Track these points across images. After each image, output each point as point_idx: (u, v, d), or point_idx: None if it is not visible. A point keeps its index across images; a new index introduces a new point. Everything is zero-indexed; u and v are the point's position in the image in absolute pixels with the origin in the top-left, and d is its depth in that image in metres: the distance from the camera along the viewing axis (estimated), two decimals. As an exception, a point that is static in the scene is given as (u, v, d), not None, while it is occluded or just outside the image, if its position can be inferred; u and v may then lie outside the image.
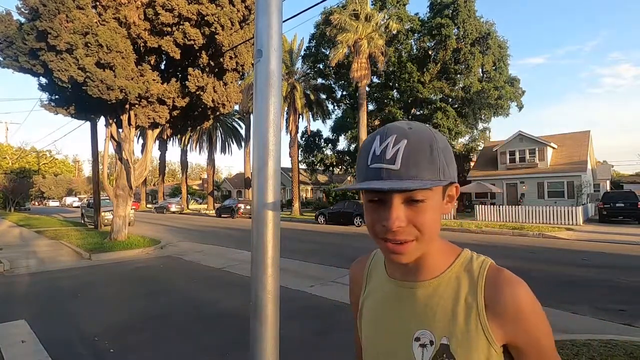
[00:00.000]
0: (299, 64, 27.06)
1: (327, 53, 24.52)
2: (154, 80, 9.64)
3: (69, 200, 55.71)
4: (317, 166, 31.40)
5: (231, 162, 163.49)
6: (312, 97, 26.25)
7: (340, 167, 32.32)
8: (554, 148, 23.19)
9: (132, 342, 3.89)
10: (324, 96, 28.19)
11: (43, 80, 10.17)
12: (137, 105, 9.87)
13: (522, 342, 0.60)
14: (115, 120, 10.75)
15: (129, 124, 10.55)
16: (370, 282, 0.76)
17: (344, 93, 28.68)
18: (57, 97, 10.49)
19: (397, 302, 0.68)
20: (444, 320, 0.62)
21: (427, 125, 0.64)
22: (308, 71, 27.36)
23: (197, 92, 10.01)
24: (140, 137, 29.24)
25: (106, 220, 15.27)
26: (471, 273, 0.63)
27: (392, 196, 0.58)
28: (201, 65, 10.03)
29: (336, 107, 29.93)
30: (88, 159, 78.58)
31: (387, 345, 0.67)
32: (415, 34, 25.29)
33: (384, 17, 22.36)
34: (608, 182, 30.11)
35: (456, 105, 25.88)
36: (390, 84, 26.38)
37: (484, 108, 25.24)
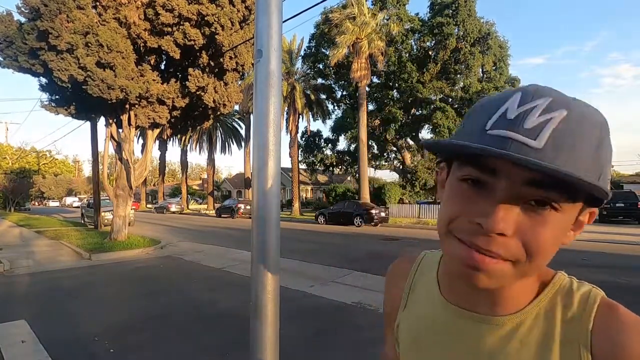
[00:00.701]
0: (299, 64, 27.12)
1: (327, 53, 24.51)
2: (154, 80, 9.64)
3: (69, 200, 55.72)
4: (317, 166, 31.40)
5: (231, 162, 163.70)
6: (312, 97, 26.27)
7: (340, 167, 32.31)
8: (554, 148, 23.17)
9: (132, 342, 3.89)
10: (324, 96, 28.21)
11: (43, 80, 10.17)
12: (137, 105, 9.87)
13: None
14: (115, 120, 10.76)
15: (129, 124, 10.55)
16: (413, 295, 0.58)
17: (344, 93, 28.68)
18: (57, 97, 10.50)
19: (454, 337, 0.48)
20: None
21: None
22: (308, 71, 27.37)
23: (198, 93, 10.01)
24: (140, 137, 29.24)
25: (106, 220, 15.27)
26: (570, 311, 0.43)
27: (508, 183, 0.38)
28: (201, 65, 10.03)
29: (336, 107, 29.96)
30: (88, 159, 78.64)
31: None
32: (416, 34, 25.30)
33: (384, 17, 22.36)
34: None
35: (456, 105, 25.88)
36: (390, 84, 26.39)
37: (484, 108, 25.21)
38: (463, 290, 0.48)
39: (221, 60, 10.00)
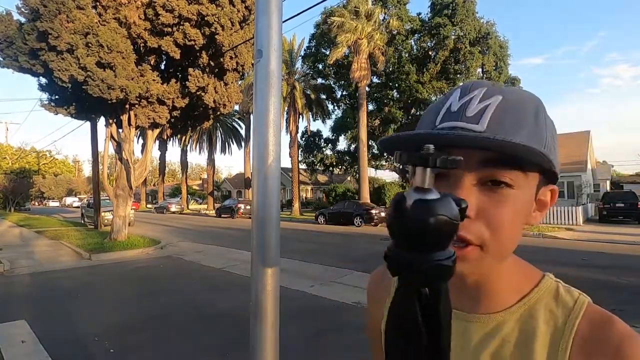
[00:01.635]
0: (299, 64, 27.10)
1: (327, 53, 24.52)
2: (154, 80, 9.64)
3: (69, 200, 55.68)
4: (317, 166, 31.39)
5: (231, 162, 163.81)
6: (312, 97, 26.26)
7: (340, 167, 32.32)
8: (554, 148, 23.16)
9: (132, 342, 3.89)
10: (324, 96, 28.20)
11: (43, 80, 10.18)
12: (137, 106, 9.88)
13: None
14: (115, 120, 10.76)
15: (129, 124, 10.55)
16: None
17: (344, 93, 28.67)
18: (57, 97, 10.50)
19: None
20: None
21: None
22: (308, 71, 27.36)
23: (198, 93, 10.01)
24: (140, 137, 29.22)
25: (106, 221, 15.27)
26: (555, 315, 0.43)
27: (463, 171, 0.40)
28: (201, 65, 10.03)
29: (336, 107, 29.95)
30: (88, 159, 78.51)
31: None
32: (416, 34, 25.32)
33: (384, 16, 22.36)
34: (608, 182, 30.10)
35: (456, 106, 25.85)
36: (390, 84, 26.38)
37: (484, 108, 25.24)
38: (457, 294, 0.49)
39: (221, 60, 10.00)
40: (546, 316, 0.44)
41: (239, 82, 12.67)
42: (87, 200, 21.09)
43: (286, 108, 24.79)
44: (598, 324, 0.41)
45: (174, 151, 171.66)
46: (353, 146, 28.70)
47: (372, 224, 17.23)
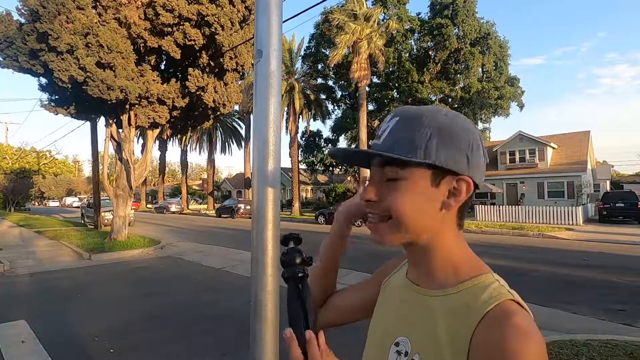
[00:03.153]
0: (298, 64, 27.10)
1: (327, 53, 24.51)
2: (154, 80, 9.64)
3: (69, 200, 55.65)
4: (317, 166, 31.40)
5: (231, 162, 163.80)
6: (311, 97, 26.26)
7: (340, 167, 32.32)
8: (554, 148, 23.19)
9: (132, 342, 3.89)
10: (323, 96, 28.20)
11: (43, 80, 10.18)
12: (137, 106, 9.88)
13: None
14: (115, 120, 10.76)
15: (129, 124, 10.55)
16: (393, 275, 0.73)
17: (344, 93, 28.67)
18: (57, 97, 10.50)
19: (402, 299, 0.64)
20: (425, 336, 0.55)
21: (446, 108, 0.59)
22: (308, 71, 27.36)
23: (198, 93, 10.01)
24: (140, 137, 29.25)
25: (106, 221, 15.28)
26: (475, 302, 0.52)
27: (373, 171, 0.59)
28: (201, 65, 10.03)
29: (336, 107, 29.95)
30: (88, 159, 78.46)
31: (377, 336, 0.68)
32: (415, 34, 25.31)
33: (384, 17, 22.34)
34: (608, 182, 30.08)
35: (456, 105, 25.87)
36: (390, 84, 26.38)
37: (483, 108, 25.24)
38: (412, 267, 0.64)
39: (221, 60, 10.00)
40: (467, 303, 0.53)
41: (239, 82, 12.67)
42: (87, 200, 21.10)
43: (286, 108, 24.80)
44: (502, 313, 0.49)
45: (174, 151, 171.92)
46: (353, 146, 28.69)
47: (372, 224, 17.19)
